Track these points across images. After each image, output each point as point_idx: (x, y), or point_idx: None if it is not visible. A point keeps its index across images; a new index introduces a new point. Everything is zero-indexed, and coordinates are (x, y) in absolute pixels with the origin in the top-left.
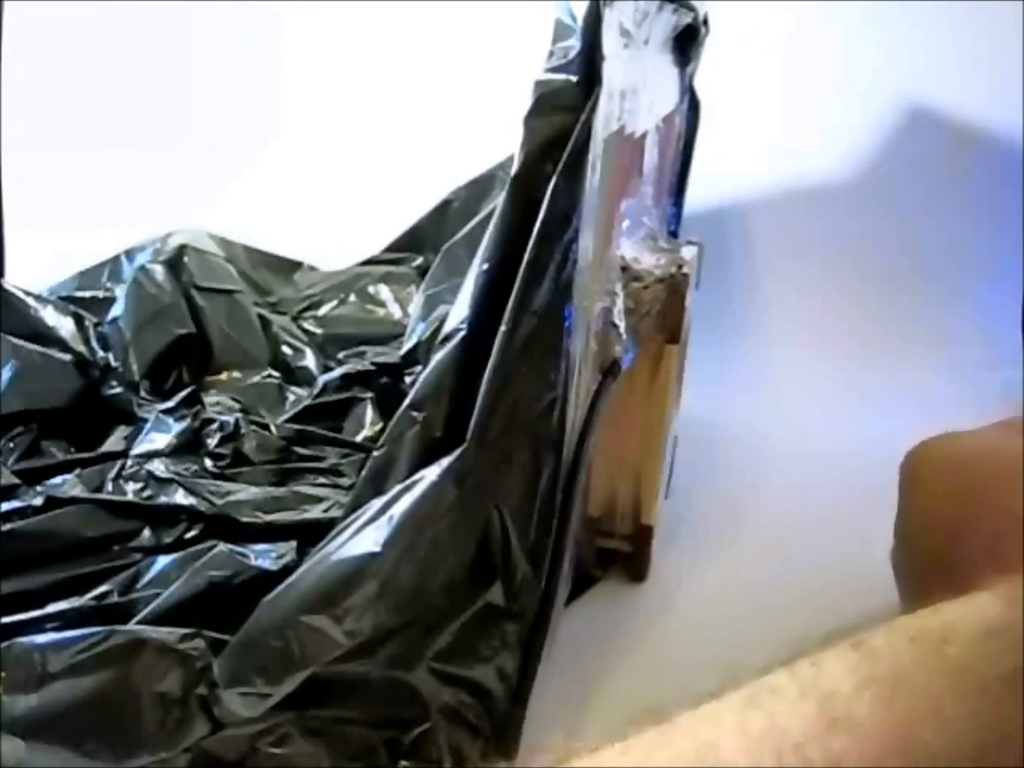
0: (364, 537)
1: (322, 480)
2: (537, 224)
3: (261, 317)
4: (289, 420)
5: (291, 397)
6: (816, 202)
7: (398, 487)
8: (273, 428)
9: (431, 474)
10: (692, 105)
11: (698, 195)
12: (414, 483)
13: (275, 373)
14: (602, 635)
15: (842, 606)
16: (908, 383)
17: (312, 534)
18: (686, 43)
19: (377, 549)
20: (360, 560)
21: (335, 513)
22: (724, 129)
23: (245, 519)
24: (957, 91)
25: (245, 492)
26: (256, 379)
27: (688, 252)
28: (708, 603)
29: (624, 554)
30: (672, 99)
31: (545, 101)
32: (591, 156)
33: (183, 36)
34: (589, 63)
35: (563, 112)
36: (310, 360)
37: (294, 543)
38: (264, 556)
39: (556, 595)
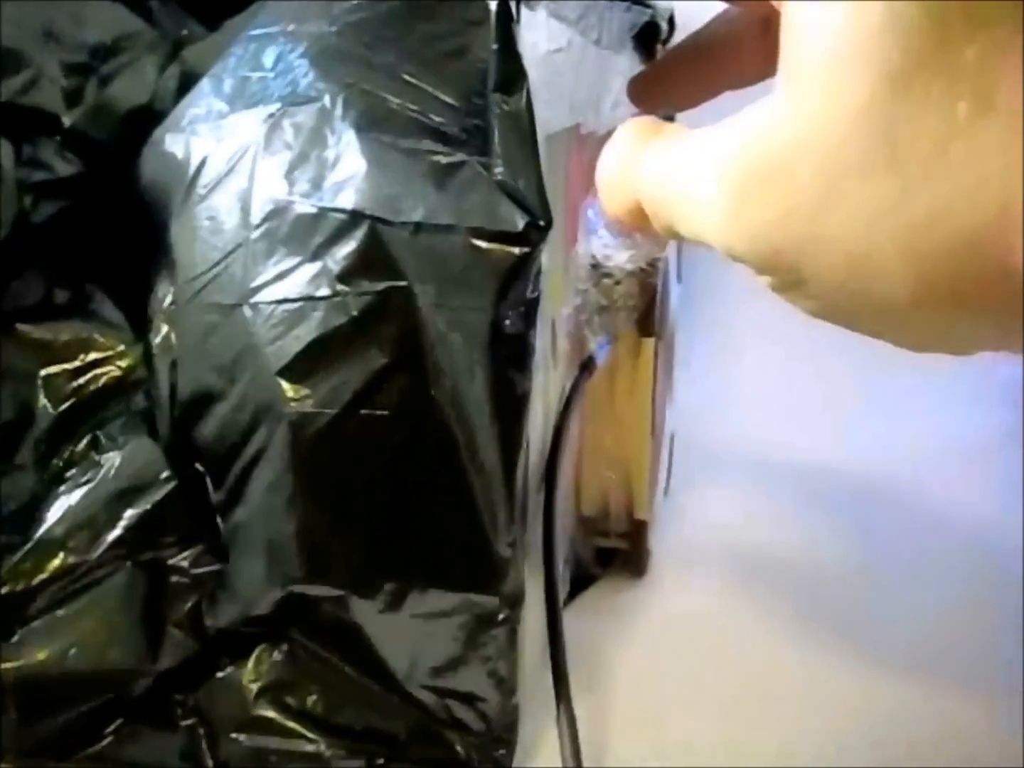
0: None
1: None
2: None
3: None
4: None
5: None
6: None
7: None
8: None
9: None
10: None
11: None
12: None
13: None
14: (601, 633)
15: (842, 602)
16: (908, 381)
17: None
18: (650, 42)
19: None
20: None
21: None
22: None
23: None
24: None
25: None
26: None
27: (663, 245)
28: (708, 599)
29: (623, 551)
30: None
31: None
32: None
33: None
34: (508, 61)
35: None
36: None
37: None
38: None
39: (558, 597)
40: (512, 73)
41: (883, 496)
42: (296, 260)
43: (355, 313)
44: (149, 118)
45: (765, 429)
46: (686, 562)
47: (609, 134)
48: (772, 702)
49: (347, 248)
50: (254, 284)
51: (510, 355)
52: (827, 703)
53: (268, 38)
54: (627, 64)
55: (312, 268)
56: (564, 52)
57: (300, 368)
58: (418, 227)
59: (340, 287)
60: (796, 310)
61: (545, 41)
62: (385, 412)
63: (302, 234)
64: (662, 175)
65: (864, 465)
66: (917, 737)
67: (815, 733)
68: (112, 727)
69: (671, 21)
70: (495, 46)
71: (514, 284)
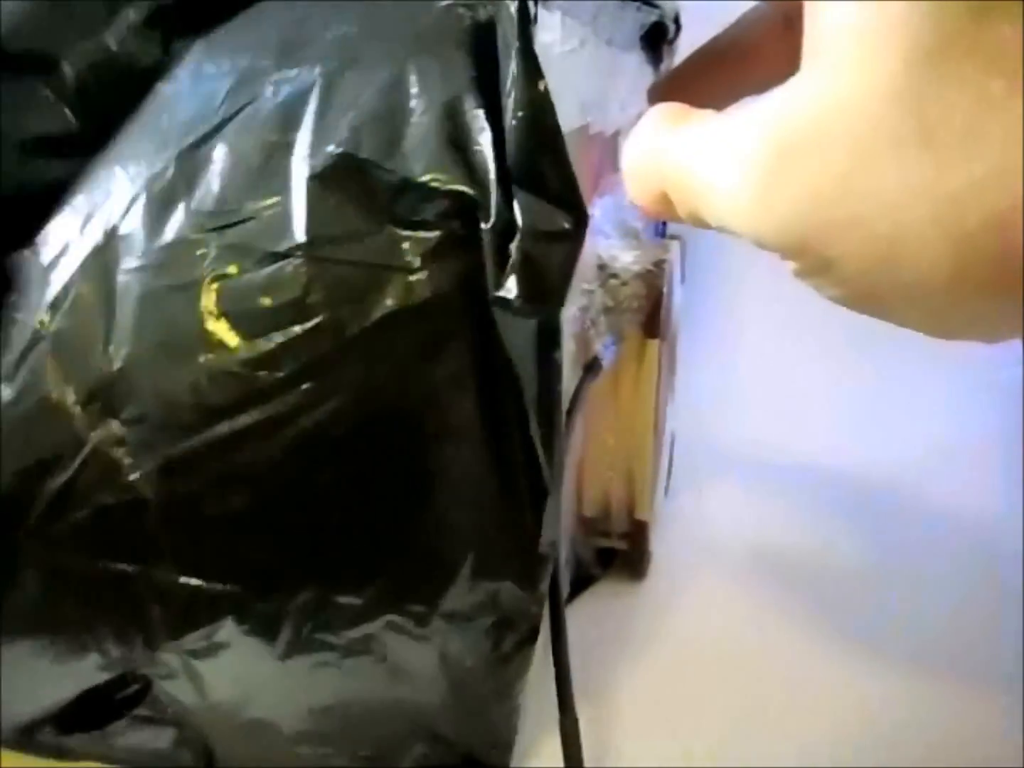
0: None
1: None
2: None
3: None
4: None
5: None
6: None
7: None
8: None
9: None
10: None
11: None
12: None
13: None
14: (601, 633)
15: (843, 602)
16: (908, 382)
17: None
18: (657, 42)
19: None
20: None
21: None
22: None
23: None
24: None
25: None
26: None
27: (668, 246)
28: (708, 599)
29: (623, 552)
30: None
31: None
32: None
33: None
34: (527, 61)
35: None
36: None
37: None
38: None
39: (562, 597)
40: (532, 73)
41: (884, 495)
42: (371, 223)
43: (434, 292)
44: (157, 79)
45: (766, 429)
46: (687, 563)
47: (616, 134)
48: (772, 703)
49: (438, 224)
50: (308, 237)
51: (553, 355)
52: (828, 704)
53: (311, 8)
54: (635, 64)
55: (392, 235)
56: (576, 52)
57: (366, 341)
58: (490, 222)
59: (425, 262)
60: (821, 298)
61: (559, 42)
62: (455, 401)
63: (381, 198)
64: (687, 160)
65: (865, 465)
66: (916, 738)
67: (815, 733)
68: (105, 720)
69: (677, 21)
70: (516, 45)
71: (563, 284)
